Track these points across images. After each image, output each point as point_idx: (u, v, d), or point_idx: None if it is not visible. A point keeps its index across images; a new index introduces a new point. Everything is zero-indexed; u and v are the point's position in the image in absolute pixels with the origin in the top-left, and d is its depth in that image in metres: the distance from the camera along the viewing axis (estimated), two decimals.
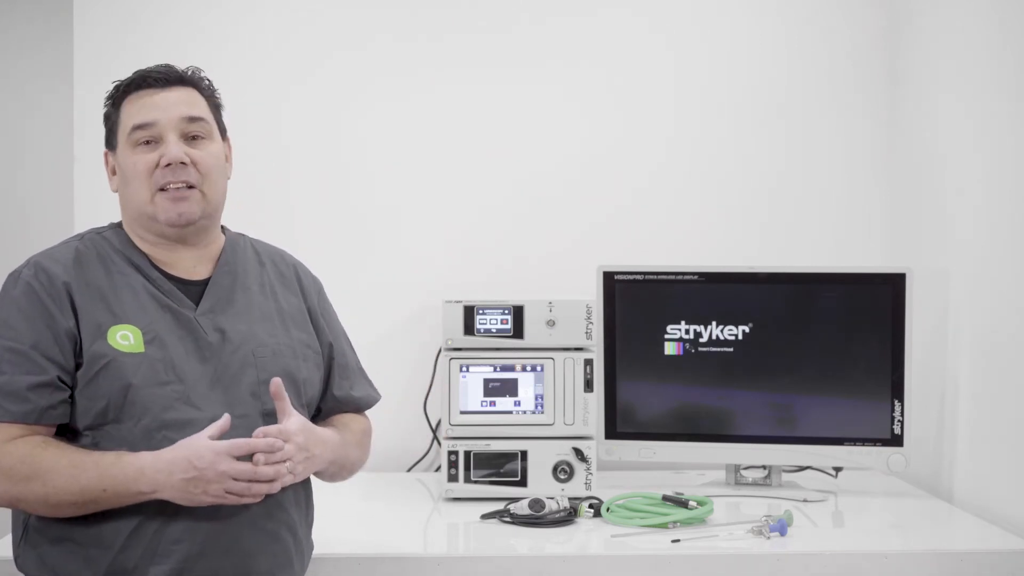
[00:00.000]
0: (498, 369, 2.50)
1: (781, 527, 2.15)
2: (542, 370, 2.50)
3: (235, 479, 1.59)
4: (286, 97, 2.88)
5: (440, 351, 2.57)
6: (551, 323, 2.51)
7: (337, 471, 1.87)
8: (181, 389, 1.68)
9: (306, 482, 1.83)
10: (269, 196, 2.84)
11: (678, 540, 2.11)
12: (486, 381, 2.49)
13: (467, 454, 2.46)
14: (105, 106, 1.82)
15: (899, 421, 2.54)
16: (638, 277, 2.64)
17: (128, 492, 1.60)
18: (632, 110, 2.94)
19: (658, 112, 2.94)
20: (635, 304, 2.64)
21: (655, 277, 2.64)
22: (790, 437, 2.59)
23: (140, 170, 1.74)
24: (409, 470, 2.85)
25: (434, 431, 2.83)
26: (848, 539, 2.28)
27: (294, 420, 1.70)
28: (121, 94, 1.79)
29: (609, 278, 2.64)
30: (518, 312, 2.52)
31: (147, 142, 1.75)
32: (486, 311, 2.52)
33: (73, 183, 2.86)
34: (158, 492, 1.60)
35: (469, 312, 2.52)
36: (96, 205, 2.80)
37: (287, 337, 1.83)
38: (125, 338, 1.68)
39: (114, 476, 1.60)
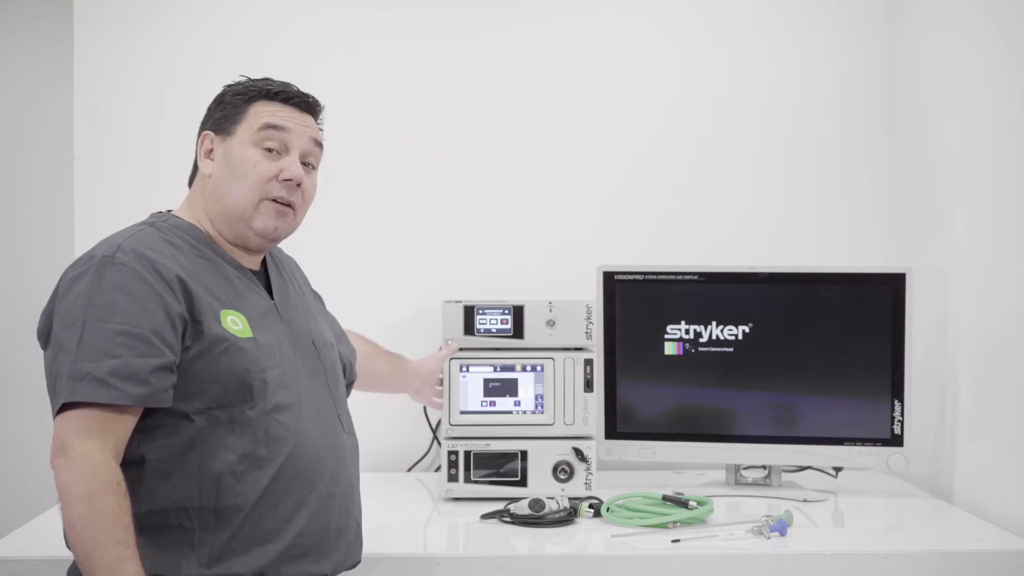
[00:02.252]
0: (498, 369, 2.50)
1: (781, 527, 2.15)
2: (542, 370, 2.50)
3: None
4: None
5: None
6: (551, 323, 2.51)
7: None
8: (279, 373, 1.73)
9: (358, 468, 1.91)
10: None
11: (678, 540, 2.11)
12: (486, 381, 2.49)
13: (467, 454, 2.46)
14: (227, 91, 1.82)
15: (899, 421, 2.54)
16: (638, 277, 2.64)
17: None
18: (632, 110, 2.94)
19: (658, 112, 2.95)
20: (635, 304, 2.64)
21: (655, 277, 2.64)
22: (790, 437, 2.60)
23: (260, 173, 1.76)
24: (409, 470, 2.85)
25: (434, 431, 2.83)
26: (848, 539, 2.28)
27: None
28: (257, 93, 1.80)
29: (609, 278, 2.64)
30: (518, 312, 2.52)
31: (269, 148, 1.77)
32: (486, 311, 2.52)
33: (73, 183, 2.87)
34: None
35: (469, 312, 2.52)
36: (96, 205, 2.83)
37: (325, 329, 1.92)
38: (235, 323, 1.70)
39: (116, 568, 1.54)
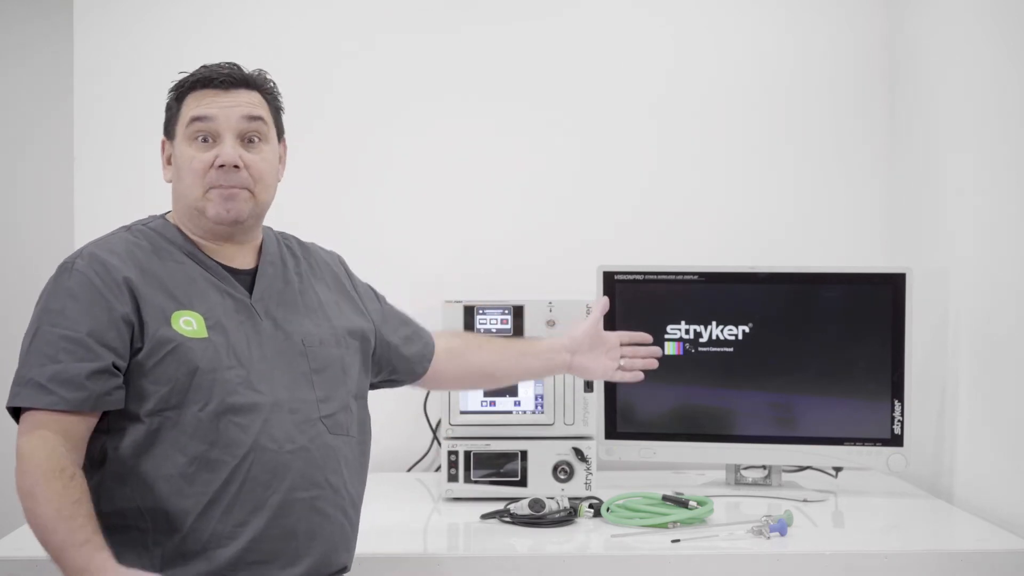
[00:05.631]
0: None
1: (781, 527, 2.15)
2: None
3: None
4: (286, 97, 2.88)
5: None
6: (551, 323, 2.51)
7: None
8: (243, 373, 1.71)
9: (362, 470, 1.87)
10: None
11: (678, 540, 2.11)
12: None
13: (467, 454, 2.46)
14: (168, 96, 1.83)
15: (899, 421, 2.54)
16: (638, 277, 2.64)
17: (74, 571, 1.56)
18: (632, 110, 2.94)
19: (658, 112, 2.95)
20: (635, 304, 2.64)
21: (655, 277, 2.64)
22: (790, 437, 2.59)
23: (195, 167, 1.75)
24: (409, 470, 2.85)
25: (434, 431, 2.83)
26: (848, 539, 2.28)
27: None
28: (187, 89, 1.79)
29: (609, 278, 2.64)
30: (518, 312, 2.52)
31: (204, 139, 1.76)
32: (486, 311, 2.52)
33: (73, 183, 2.87)
34: None
35: (469, 312, 2.52)
36: (96, 205, 2.83)
37: (330, 327, 1.86)
38: (188, 323, 1.69)
39: (75, 552, 1.55)
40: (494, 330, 2.52)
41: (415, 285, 2.86)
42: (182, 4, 2.89)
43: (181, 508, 1.65)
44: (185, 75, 1.81)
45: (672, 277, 2.64)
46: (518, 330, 2.51)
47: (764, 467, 2.65)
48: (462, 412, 2.49)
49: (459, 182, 2.92)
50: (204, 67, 1.81)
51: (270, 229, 1.94)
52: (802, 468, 2.70)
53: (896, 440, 2.54)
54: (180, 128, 1.78)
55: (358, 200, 2.90)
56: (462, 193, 2.92)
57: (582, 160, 2.94)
